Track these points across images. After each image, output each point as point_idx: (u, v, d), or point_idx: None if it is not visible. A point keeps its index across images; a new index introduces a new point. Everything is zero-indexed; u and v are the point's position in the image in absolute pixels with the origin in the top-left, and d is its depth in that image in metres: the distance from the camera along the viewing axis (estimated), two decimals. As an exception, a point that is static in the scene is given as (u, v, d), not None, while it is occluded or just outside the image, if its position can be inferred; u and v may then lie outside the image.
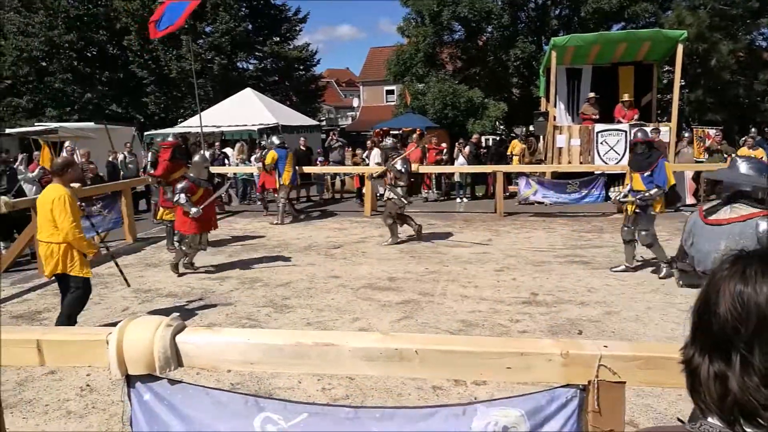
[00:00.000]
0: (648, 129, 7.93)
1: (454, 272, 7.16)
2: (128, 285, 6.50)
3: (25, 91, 27.16)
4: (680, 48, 12.74)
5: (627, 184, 7.15)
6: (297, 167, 11.62)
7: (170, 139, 9.45)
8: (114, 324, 4.06)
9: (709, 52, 17.59)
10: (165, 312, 5.75)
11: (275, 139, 11.90)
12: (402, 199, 8.78)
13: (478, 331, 5.07)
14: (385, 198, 9.15)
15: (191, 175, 7.38)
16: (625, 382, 1.73)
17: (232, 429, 1.78)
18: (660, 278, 6.74)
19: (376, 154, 13.86)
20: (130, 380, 1.88)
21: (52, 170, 5.28)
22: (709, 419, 0.86)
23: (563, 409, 1.70)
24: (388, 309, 5.76)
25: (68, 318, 5.08)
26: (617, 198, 7.29)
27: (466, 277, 6.89)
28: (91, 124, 17.97)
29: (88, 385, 4.04)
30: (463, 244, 8.85)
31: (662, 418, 3.48)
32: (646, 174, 6.74)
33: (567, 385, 1.74)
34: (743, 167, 3.53)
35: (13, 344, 1.98)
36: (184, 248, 7.38)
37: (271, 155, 11.25)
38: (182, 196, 7.03)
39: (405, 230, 9.24)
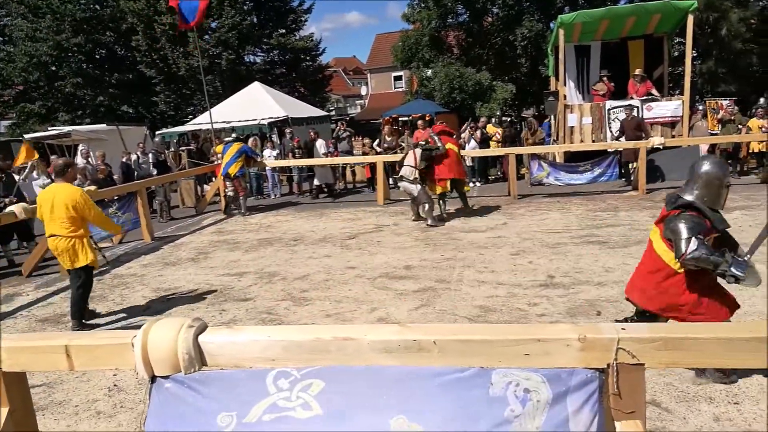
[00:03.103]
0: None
1: (469, 258, 7.17)
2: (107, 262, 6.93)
3: (37, 97, 27.46)
4: (690, 18, 12.52)
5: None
6: (243, 160, 11.92)
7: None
8: (137, 325, 4.14)
9: (720, 21, 17.27)
10: (186, 310, 5.84)
11: (233, 135, 13.40)
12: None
13: (496, 317, 5.08)
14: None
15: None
16: (644, 364, 1.73)
17: (248, 390, 1.82)
18: None
19: (321, 144, 14.30)
20: (154, 380, 1.93)
21: (54, 172, 5.65)
22: None
23: (584, 386, 1.71)
24: (406, 297, 5.79)
25: (81, 301, 5.56)
26: None
27: (482, 263, 6.90)
28: (103, 125, 18.15)
29: (115, 385, 4.13)
30: (478, 229, 8.85)
31: (684, 396, 3.49)
32: None
33: (586, 368, 1.75)
34: None
35: (43, 350, 2.04)
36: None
37: (218, 148, 12.43)
38: None
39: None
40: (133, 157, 13.07)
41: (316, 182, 14.13)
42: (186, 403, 1.85)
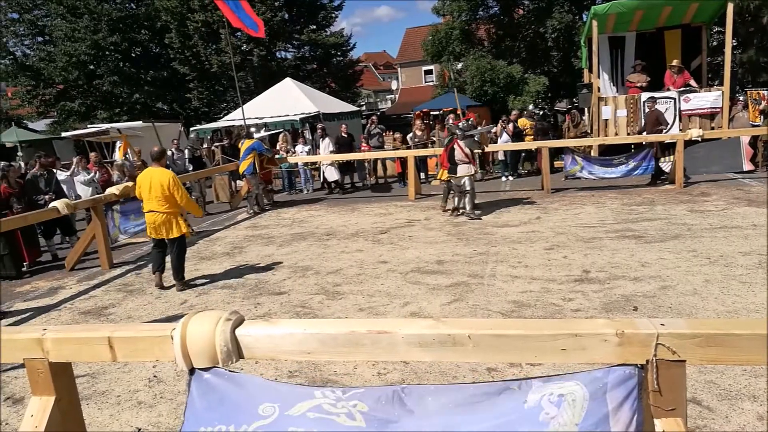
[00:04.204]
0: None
1: (502, 253, 7.11)
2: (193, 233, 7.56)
3: (76, 95, 28.19)
4: (730, 6, 12.15)
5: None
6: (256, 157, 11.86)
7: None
8: (175, 317, 4.22)
9: (761, 9, 16.69)
10: (221, 303, 5.94)
11: (252, 130, 13.45)
12: None
13: (530, 312, 5.04)
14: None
15: None
16: (684, 361, 1.69)
17: (292, 392, 1.85)
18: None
19: (328, 143, 14.19)
20: (193, 372, 1.97)
21: (152, 158, 6.72)
22: None
23: (623, 383, 1.68)
24: (438, 292, 5.78)
25: (181, 266, 6.67)
26: None
27: (516, 257, 6.84)
28: (139, 123, 18.55)
29: (155, 376, 4.24)
30: (511, 224, 8.78)
31: (727, 394, 3.40)
32: None
33: (624, 365, 1.72)
34: None
35: (87, 341, 2.10)
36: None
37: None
38: None
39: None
40: (168, 153, 13.33)
41: (328, 178, 14.26)
42: (226, 392, 1.89)
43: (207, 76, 26.90)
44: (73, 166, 10.81)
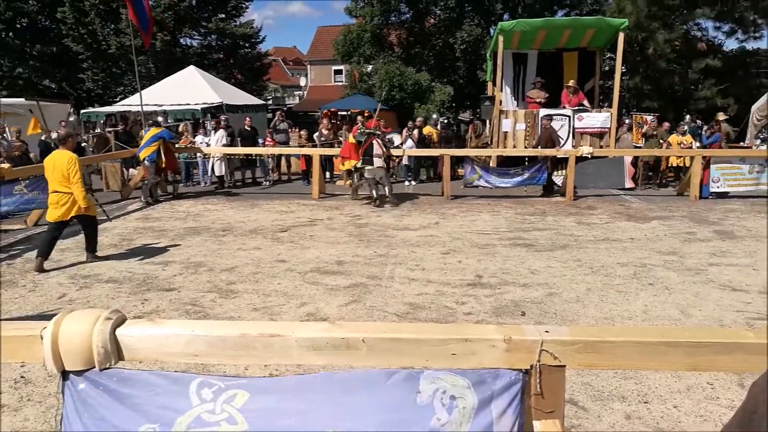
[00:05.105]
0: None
1: (401, 255, 7.22)
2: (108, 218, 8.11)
3: (-53, 65, 25.47)
4: (621, 36, 13.13)
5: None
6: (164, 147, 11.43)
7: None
8: (50, 315, 3.89)
9: (647, 41, 18.19)
10: (105, 299, 5.57)
11: (159, 118, 13.13)
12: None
13: (425, 314, 5.14)
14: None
15: None
16: (565, 366, 1.78)
17: (170, 399, 1.74)
18: None
19: (221, 136, 13.96)
20: (66, 375, 1.81)
21: (57, 140, 6.99)
22: None
23: (508, 389, 1.73)
24: (336, 293, 5.76)
25: (95, 239, 7.06)
26: None
27: (414, 260, 6.97)
28: (21, 100, 17.01)
29: (22, 377, 3.88)
30: (411, 227, 8.93)
31: (600, 395, 3.64)
32: None
33: (510, 369, 1.78)
34: None
35: (-61, 341, 1.87)
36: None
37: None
38: None
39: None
40: (54, 135, 12.35)
41: (217, 173, 13.93)
42: (104, 409, 1.74)
43: (104, 56, 25.25)
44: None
